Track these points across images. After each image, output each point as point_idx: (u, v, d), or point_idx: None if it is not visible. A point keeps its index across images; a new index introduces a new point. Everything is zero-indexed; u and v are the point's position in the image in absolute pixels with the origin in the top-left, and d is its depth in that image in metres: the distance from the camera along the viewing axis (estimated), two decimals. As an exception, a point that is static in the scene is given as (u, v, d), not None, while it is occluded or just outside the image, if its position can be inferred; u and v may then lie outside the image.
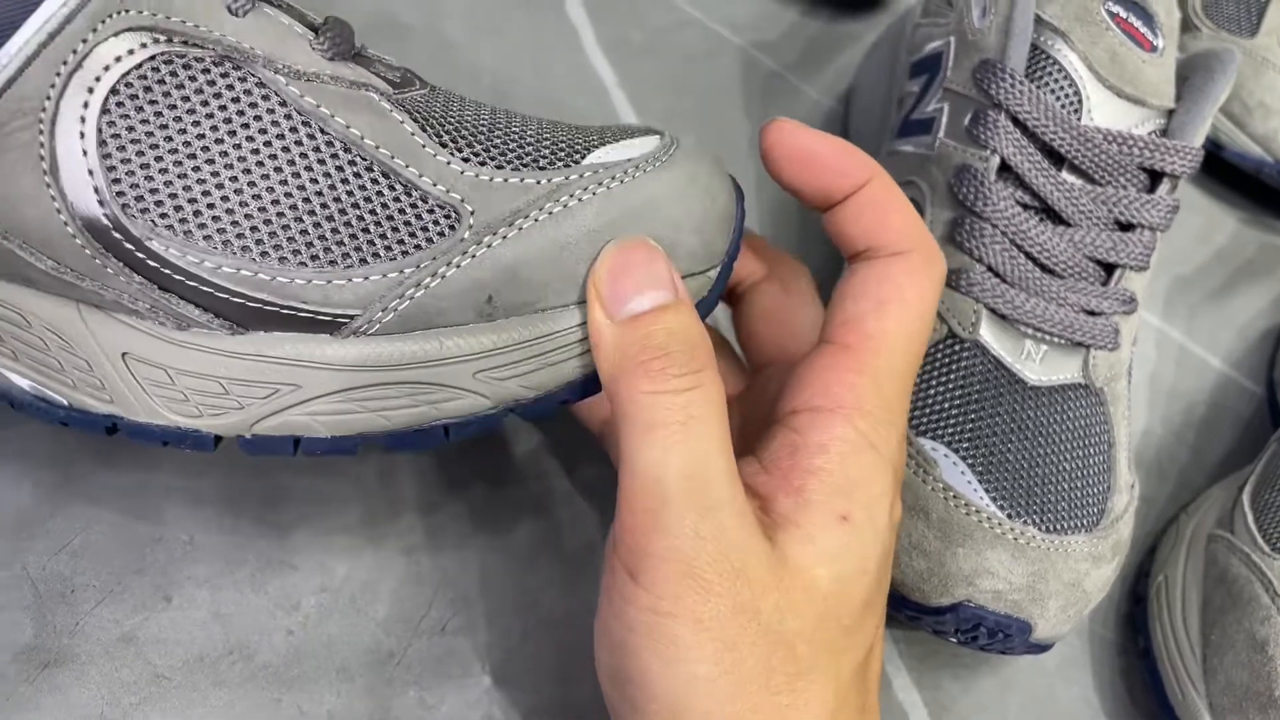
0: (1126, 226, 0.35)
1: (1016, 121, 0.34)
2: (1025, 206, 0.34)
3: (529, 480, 0.35)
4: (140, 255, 0.24)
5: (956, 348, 0.34)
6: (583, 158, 0.26)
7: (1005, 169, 0.34)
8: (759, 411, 0.29)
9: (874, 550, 0.25)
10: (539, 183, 0.25)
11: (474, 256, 0.24)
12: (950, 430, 0.33)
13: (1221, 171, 0.53)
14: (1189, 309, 0.50)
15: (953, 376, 0.33)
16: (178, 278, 0.24)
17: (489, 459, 0.35)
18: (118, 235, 0.23)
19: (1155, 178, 0.35)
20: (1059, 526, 0.32)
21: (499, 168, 0.25)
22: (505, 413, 0.26)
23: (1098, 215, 0.34)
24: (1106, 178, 0.34)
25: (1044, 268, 0.34)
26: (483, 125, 0.26)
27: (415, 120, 0.25)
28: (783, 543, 0.24)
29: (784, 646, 0.23)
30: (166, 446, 0.26)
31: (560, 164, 0.26)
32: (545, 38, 0.47)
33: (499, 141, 0.26)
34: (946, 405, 0.33)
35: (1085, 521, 0.32)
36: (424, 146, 0.25)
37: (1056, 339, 0.34)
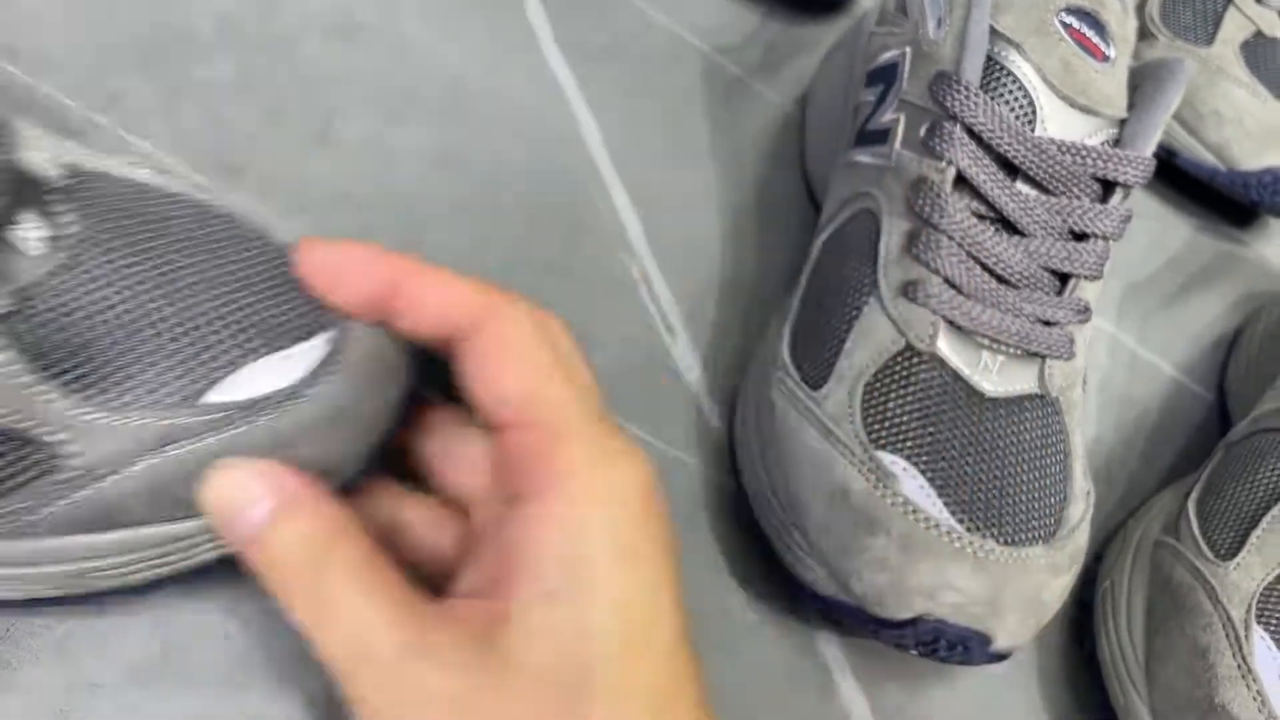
0: (1080, 236, 0.35)
1: (971, 133, 0.34)
2: (981, 217, 0.34)
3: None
4: None
5: (914, 360, 0.34)
6: (212, 387, 0.25)
7: (961, 180, 0.34)
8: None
9: (589, 613, 0.25)
10: (154, 422, 0.24)
11: (74, 501, 0.24)
12: (909, 443, 0.33)
13: (1175, 179, 0.54)
14: (1142, 315, 0.50)
15: (910, 389, 0.33)
16: None
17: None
18: None
19: (1108, 187, 0.35)
20: (1018, 539, 0.32)
21: (113, 410, 0.24)
22: None
23: (1052, 225, 0.34)
24: (1060, 188, 0.34)
25: (1000, 279, 0.34)
26: (116, 346, 0.24)
27: (25, 350, 0.23)
28: (496, 639, 0.24)
29: None
30: None
31: (184, 402, 0.25)
32: (503, 39, 0.46)
33: (122, 371, 0.24)
34: (905, 418, 0.33)
35: (1043, 532, 0.33)
36: (29, 387, 0.23)
37: (1013, 350, 0.34)
